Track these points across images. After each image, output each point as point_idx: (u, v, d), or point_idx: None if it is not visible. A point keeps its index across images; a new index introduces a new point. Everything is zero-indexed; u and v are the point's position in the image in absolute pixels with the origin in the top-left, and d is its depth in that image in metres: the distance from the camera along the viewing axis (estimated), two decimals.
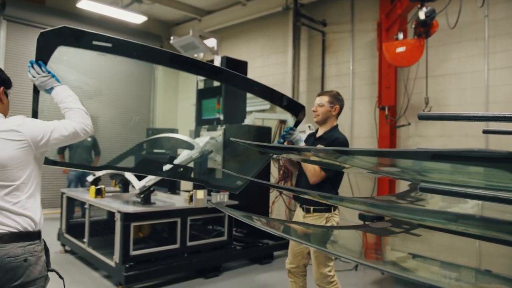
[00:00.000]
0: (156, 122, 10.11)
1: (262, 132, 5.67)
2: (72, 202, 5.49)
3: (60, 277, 2.11)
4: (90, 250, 4.61)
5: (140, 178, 4.55)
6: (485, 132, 2.01)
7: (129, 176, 4.78)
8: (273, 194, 6.53)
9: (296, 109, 3.47)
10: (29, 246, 1.84)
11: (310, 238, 1.53)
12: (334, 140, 2.99)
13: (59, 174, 7.92)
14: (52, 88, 2.12)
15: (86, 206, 4.79)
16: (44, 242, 1.99)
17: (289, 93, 7.43)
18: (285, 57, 7.70)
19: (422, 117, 1.49)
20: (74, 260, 5.12)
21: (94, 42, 2.28)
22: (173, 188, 5.13)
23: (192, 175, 4.06)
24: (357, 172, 6.03)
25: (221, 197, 4.59)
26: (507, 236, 1.20)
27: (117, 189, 5.33)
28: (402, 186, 5.96)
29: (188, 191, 4.90)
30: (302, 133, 6.06)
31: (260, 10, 7.94)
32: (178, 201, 4.73)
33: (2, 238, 1.76)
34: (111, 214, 4.54)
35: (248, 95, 5.90)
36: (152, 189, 4.39)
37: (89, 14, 8.62)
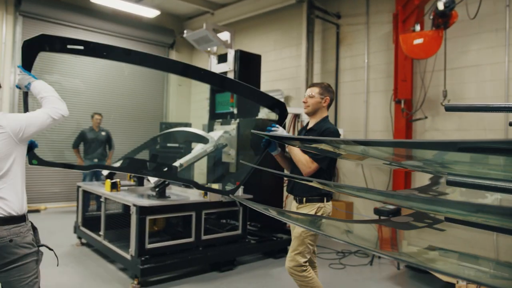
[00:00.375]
0: (170, 116, 10.15)
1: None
2: (87, 196, 5.55)
3: (50, 249, 2.46)
4: (106, 243, 4.65)
5: None
6: None
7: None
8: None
9: (277, 107, 3.47)
10: (14, 229, 2.10)
11: (336, 231, 1.50)
12: (325, 130, 2.97)
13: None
14: (29, 84, 2.37)
15: (101, 199, 4.83)
16: (31, 222, 2.27)
17: (302, 87, 7.37)
18: (299, 50, 7.63)
19: (448, 109, 1.44)
20: (90, 252, 5.18)
21: (69, 46, 2.52)
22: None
23: (179, 176, 4.10)
24: (377, 165, 5.97)
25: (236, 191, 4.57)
26: None
27: (132, 182, 5.37)
28: (418, 180, 5.89)
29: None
30: None
31: (274, 3, 7.87)
32: (193, 195, 4.74)
33: None
34: (126, 208, 4.57)
35: (263, 88, 5.86)
36: (167, 182, 4.40)
37: (103, 9, 8.65)
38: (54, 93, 2.35)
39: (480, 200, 1.81)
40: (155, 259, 4.05)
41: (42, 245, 2.32)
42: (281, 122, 3.37)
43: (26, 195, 2.22)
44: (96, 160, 7.41)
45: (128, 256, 4.12)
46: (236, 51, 5.40)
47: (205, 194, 4.46)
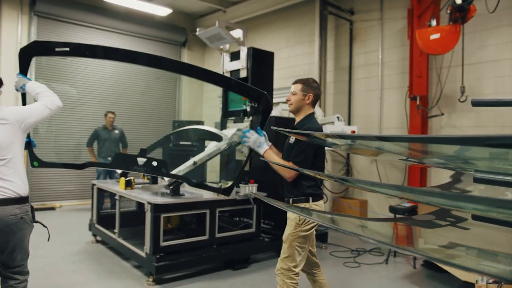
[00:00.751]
0: (182, 114, 10.17)
1: (289, 124, 5.59)
2: (102, 194, 5.59)
3: (44, 226, 2.90)
4: (120, 240, 4.68)
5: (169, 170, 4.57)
6: None
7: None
8: None
9: (257, 96, 3.45)
10: (24, 207, 2.50)
11: (358, 229, 1.47)
12: (304, 130, 2.89)
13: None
14: (24, 85, 2.75)
15: (116, 197, 4.86)
16: (30, 203, 2.63)
17: None
18: (312, 47, 7.57)
19: (475, 103, 1.39)
20: (105, 250, 5.22)
21: (57, 49, 2.87)
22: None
23: (169, 172, 4.13)
24: (394, 161, 5.89)
25: (250, 189, 4.56)
26: None
27: (146, 180, 5.39)
28: (434, 177, 5.79)
29: (216, 183, 4.90)
30: (330, 125, 5.99)
31: (286, 0, 7.81)
32: (207, 193, 4.73)
33: (4, 201, 2.40)
34: (140, 205, 4.59)
35: (275, 86, 5.82)
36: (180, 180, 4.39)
37: (116, 8, 8.71)
38: (47, 89, 2.70)
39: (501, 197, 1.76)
40: (170, 257, 4.06)
41: (37, 222, 2.72)
42: (266, 116, 3.36)
43: (27, 179, 2.58)
44: (109, 159, 7.46)
45: (143, 254, 4.13)
46: (249, 49, 5.36)
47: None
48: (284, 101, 7.83)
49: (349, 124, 6.92)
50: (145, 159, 3.68)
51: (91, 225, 5.57)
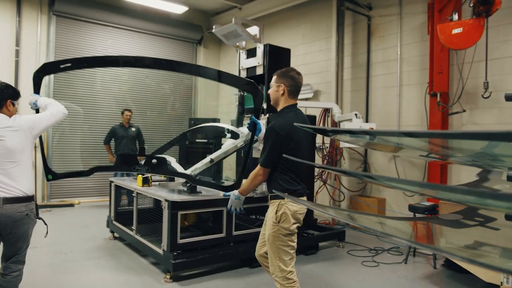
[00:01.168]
0: (198, 112, 10.20)
1: (306, 121, 5.52)
2: (119, 191, 5.64)
3: (45, 223, 3.07)
4: (138, 237, 4.71)
5: (186, 167, 4.57)
6: None
7: (175, 165, 4.81)
8: (317, 184, 6.41)
9: (245, 85, 3.64)
10: (30, 205, 2.79)
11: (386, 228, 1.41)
12: (269, 128, 2.82)
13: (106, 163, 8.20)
14: (36, 101, 3.16)
15: (133, 194, 4.89)
16: (35, 201, 2.94)
17: (333, 81, 7.23)
18: (329, 44, 7.48)
19: (509, 98, 1.33)
20: (122, 246, 5.26)
21: (61, 66, 3.38)
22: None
23: (171, 170, 4.25)
24: (416, 157, 5.78)
25: (266, 187, 4.51)
26: None
27: (163, 178, 5.40)
28: (454, 175, 5.66)
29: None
30: (348, 122, 5.90)
31: None
32: None
33: (13, 200, 2.70)
34: (157, 203, 4.61)
35: None
36: (198, 177, 4.39)
37: (133, 6, 8.78)
38: (55, 101, 3.14)
39: None
40: (187, 254, 4.06)
41: (40, 218, 2.95)
42: (257, 103, 3.35)
43: (34, 179, 2.98)
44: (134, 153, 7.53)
45: (160, 251, 4.15)
46: (265, 46, 5.32)
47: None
48: (301, 98, 7.79)
49: (367, 121, 6.81)
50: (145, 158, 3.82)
51: (109, 221, 5.62)
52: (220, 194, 4.52)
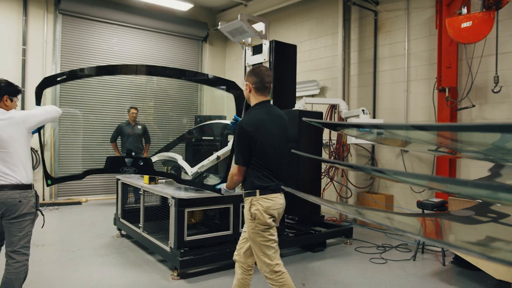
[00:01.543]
0: (204, 109, 10.19)
1: (313, 117, 5.49)
2: (126, 188, 5.65)
3: (42, 214, 3.17)
4: (145, 234, 4.71)
5: (192, 164, 4.57)
6: None
7: (182, 162, 4.81)
8: (324, 181, 6.37)
9: (226, 85, 3.76)
10: (23, 193, 2.93)
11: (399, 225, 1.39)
12: (236, 126, 2.84)
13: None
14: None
15: (140, 192, 4.89)
16: (35, 191, 3.07)
17: (340, 77, 7.17)
18: (335, 39, 7.42)
19: None
20: (130, 244, 5.27)
21: (58, 79, 3.70)
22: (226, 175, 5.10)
23: (157, 170, 4.36)
24: (426, 153, 5.72)
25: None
26: None
27: None
28: (463, 171, 5.60)
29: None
30: (355, 118, 5.85)
31: None
32: None
33: (7, 187, 2.88)
34: (164, 200, 4.60)
35: (298, 79, 5.73)
36: (204, 175, 4.38)
37: (138, 4, 8.78)
38: (51, 105, 3.51)
39: None
40: (194, 251, 4.06)
41: (39, 209, 3.09)
42: (239, 102, 3.37)
43: (31, 170, 3.06)
44: (133, 154, 7.54)
45: (167, 248, 4.14)
46: (271, 42, 5.28)
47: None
48: (307, 94, 7.74)
49: (374, 117, 6.75)
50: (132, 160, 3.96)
51: (116, 219, 5.64)
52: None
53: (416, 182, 1.54)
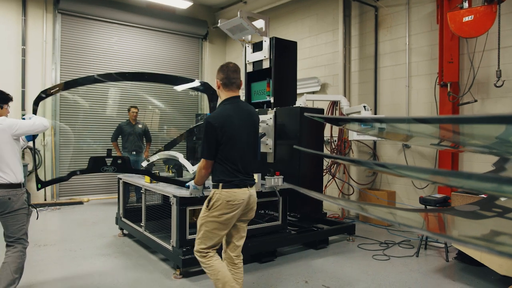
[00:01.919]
0: (205, 108, 10.17)
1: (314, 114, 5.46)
2: (128, 188, 5.64)
3: (34, 207, 3.47)
4: (147, 234, 4.70)
5: (193, 162, 4.55)
6: None
7: (183, 161, 4.79)
8: (325, 177, 6.35)
9: (198, 85, 3.96)
10: (12, 191, 3.20)
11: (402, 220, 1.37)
12: (204, 122, 2.94)
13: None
14: (30, 118, 3.50)
15: (142, 191, 4.88)
16: (26, 189, 3.39)
17: (340, 74, 7.14)
18: (335, 36, 7.39)
19: None
20: (132, 243, 5.26)
21: (52, 91, 3.99)
22: None
23: (133, 168, 4.48)
24: (429, 147, 5.69)
25: (276, 181, 4.48)
26: None
27: (171, 174, 5.39)
28: (466, 166, 5.57)
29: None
30: (357, 114, 5.82)
31: None
32: None
33: None
34: (165, 199, 4.58)
35: (299, 76, 5.70)
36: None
37: (138, 3, 8.75)
38: (41, 117, 3.53)
39: None
40: None
41: (31, 205, 3.40)
42: (213, 103, 3.40)
43: (22, 171, 3.32)
44: (134, 153, 7.54)
45: (169, 247, 4.13)
46: (271, 39, 5.25)
47: None
48: (308, 91, 7.71)
49: (375, 113, 6.72)
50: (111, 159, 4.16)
51: (117, 218, 5.63)
52: None
53: (418, 176, 1.51)
